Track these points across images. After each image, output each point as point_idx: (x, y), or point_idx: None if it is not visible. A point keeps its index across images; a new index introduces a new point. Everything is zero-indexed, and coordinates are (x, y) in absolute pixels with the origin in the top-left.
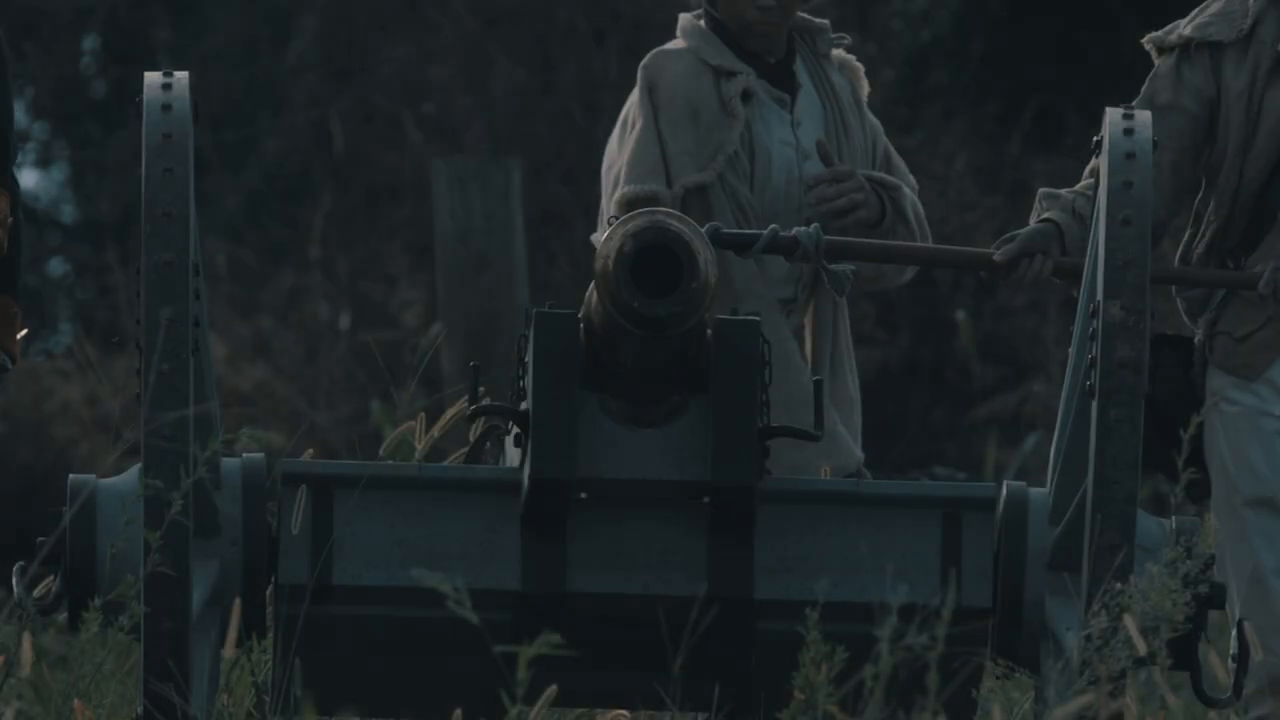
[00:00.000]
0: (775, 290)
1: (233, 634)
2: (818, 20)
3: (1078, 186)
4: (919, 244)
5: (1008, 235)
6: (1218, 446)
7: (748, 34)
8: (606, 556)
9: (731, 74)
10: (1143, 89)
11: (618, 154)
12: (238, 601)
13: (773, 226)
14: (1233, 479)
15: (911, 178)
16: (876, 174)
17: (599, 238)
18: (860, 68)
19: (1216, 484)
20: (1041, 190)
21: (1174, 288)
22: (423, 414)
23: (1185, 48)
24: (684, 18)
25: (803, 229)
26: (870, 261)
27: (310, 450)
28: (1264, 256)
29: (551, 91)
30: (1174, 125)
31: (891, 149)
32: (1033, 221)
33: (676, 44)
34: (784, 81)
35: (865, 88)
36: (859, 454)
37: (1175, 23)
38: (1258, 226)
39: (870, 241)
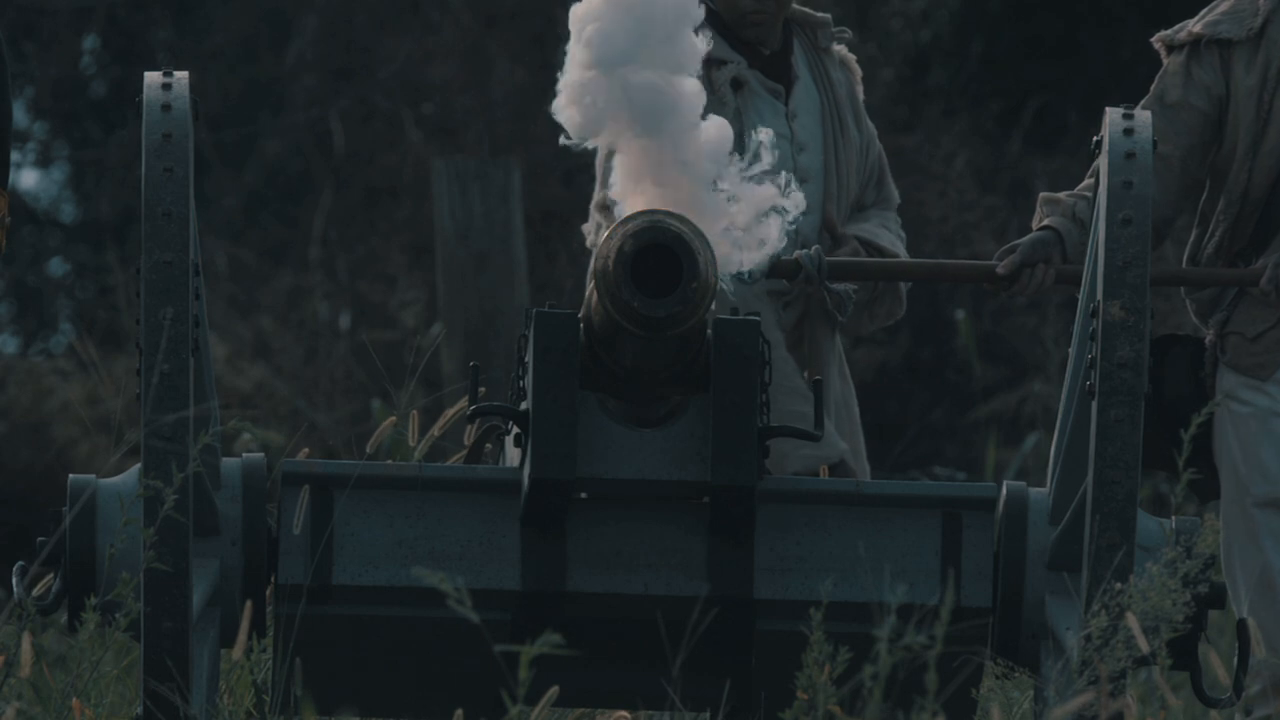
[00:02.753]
0: (768, 282)
1: (243, 636)
2: (819, 14)
3: (1078, 188)
4: (921, 260)
5: (1008, 246)
6: (1228, 447)
7: (742, 25)
8: (606, 556)
9: (722, 63)
10: (1152, 87)
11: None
12: (249, 604)
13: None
14: (1243, 480)
15: (897, 195)
16: (875, 240)
17: (589, 228)
18: (859, 71)
19: (1226, 484)
20: (1042, 195)
21: (1183, 288)
22: (415, 413)
23: (1195, 45)
24: None
25: (804, 252)
26: (873, 280)
27: (305, 450)
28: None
29: (551, 91)
30: (1183, 123)
31: (884, 159)
32: (1034, 228)
33: None
34: (779, 73)
35: (862, 92)
36: (842, 445)
37: (1184, 21)
38: (1266, 227)
39: (872, 261)
